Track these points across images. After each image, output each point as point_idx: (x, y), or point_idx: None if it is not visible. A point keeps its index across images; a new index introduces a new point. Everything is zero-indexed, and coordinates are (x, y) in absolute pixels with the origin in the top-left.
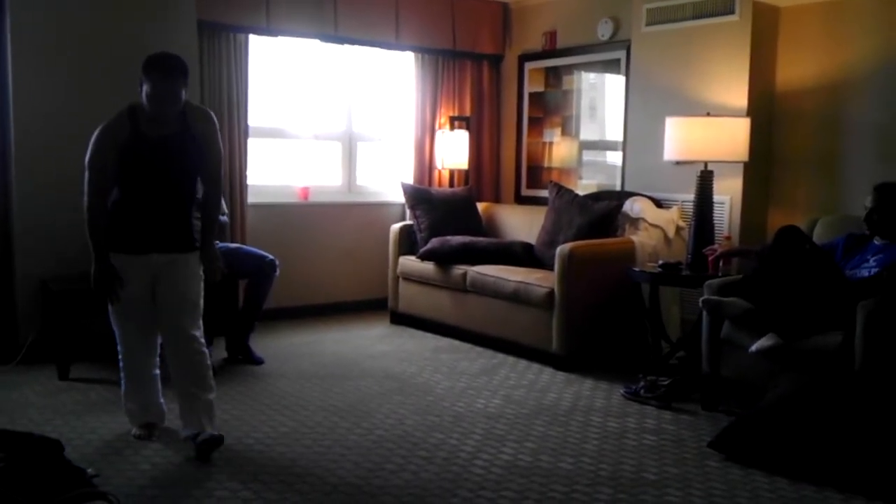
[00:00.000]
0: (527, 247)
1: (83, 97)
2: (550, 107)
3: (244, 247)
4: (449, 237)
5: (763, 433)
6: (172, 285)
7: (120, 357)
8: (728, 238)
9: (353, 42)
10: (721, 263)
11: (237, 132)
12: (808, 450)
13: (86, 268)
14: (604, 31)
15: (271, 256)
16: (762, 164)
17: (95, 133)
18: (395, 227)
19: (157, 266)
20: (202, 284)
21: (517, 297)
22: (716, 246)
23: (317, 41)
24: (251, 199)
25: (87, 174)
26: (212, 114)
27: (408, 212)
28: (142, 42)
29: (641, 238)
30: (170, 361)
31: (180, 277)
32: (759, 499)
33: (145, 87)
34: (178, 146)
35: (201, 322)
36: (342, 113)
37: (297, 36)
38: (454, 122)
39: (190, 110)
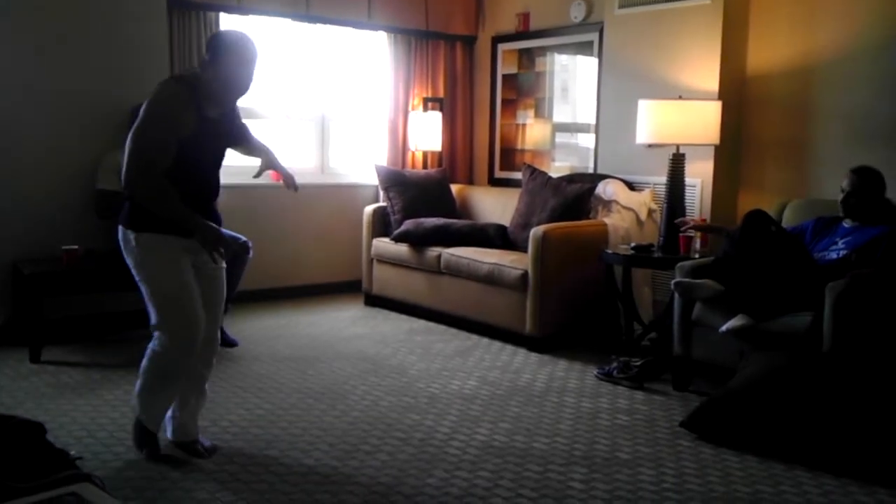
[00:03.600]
0: (501, 229)
1: (50, 74)
2: (524, 89)
3: None
4: (423, 219)
5: (733, 413)
6: (215, 272)
7: (169, 355)
8: (703, 220)
9: (325, 21)
10: (699, 244)
11: None
12: (778, 429)
13: (57, 250)
14: (576, 13)
15: (244, 238)
16: (733, 148)
17: (152, 112)
18: (369, 208)
19: (201, 251)
20: None
21: (491, 280)
22: (688, 217)
23: (288, 20)
24: (223, 180)
25: (140, 157)
26: None
27: (381, 194)
28: (110, 19)
29: (614, 220)
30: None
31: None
32: (729, 477)
33: (223, 69)
34: (229, 128)
35: None
36: (315, 94)
37: (269, 15)
38: (427, 103)
39: None
